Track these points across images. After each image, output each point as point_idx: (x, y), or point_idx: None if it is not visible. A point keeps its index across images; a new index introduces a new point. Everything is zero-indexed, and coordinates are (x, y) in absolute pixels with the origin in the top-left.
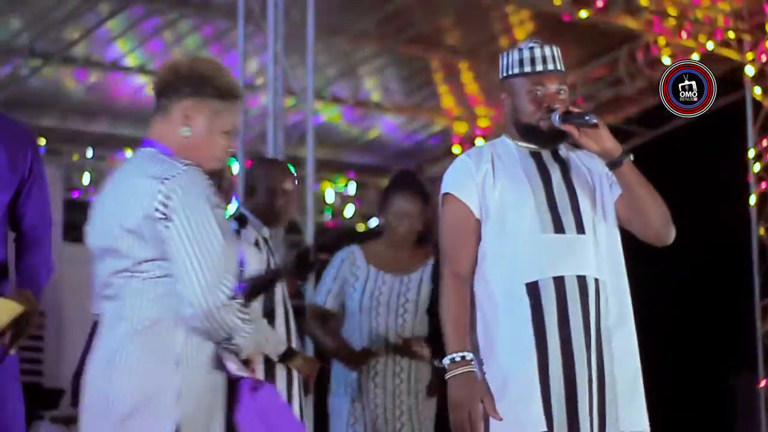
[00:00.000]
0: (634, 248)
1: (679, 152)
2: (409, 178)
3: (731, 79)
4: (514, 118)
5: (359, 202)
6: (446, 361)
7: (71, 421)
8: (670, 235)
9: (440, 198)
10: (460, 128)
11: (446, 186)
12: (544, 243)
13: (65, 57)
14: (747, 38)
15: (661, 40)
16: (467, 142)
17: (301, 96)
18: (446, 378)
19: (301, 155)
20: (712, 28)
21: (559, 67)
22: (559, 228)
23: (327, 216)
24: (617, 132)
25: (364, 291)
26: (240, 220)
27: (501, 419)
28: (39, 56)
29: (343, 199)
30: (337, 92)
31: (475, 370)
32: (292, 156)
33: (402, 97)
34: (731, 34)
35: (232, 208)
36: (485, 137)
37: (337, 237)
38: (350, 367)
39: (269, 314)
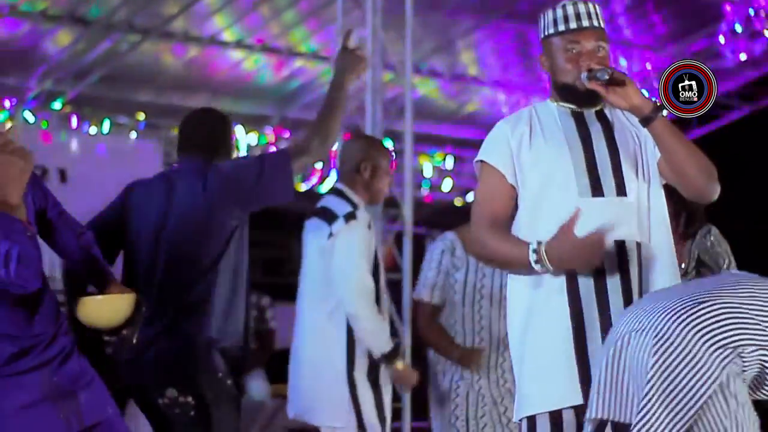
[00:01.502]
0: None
1: None
2: None
3: None
4: (553, 79)
5: (456, 177)
6: (532, 257)
7: None
8: (713, 191)
9: (477, 168)
10: None
11: (480, 153)
12: (581, 207)
13: (164, 32)
14: None
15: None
16: None
17: (399, 70)
18: (539, 261)
19: (398, 129)
20: None
21: (596, 24)
22: (597, 191)
23: (424, 190)
24: (715, 106)
25: (466, 282)
26: (344, 197)
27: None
28: (138, 31)
29: (441, 173)
30: (434, 66)
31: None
32: (389, 130)
33: (499, 71)
34: None
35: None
36: None
37: (435, 212)
38: (464, 366)
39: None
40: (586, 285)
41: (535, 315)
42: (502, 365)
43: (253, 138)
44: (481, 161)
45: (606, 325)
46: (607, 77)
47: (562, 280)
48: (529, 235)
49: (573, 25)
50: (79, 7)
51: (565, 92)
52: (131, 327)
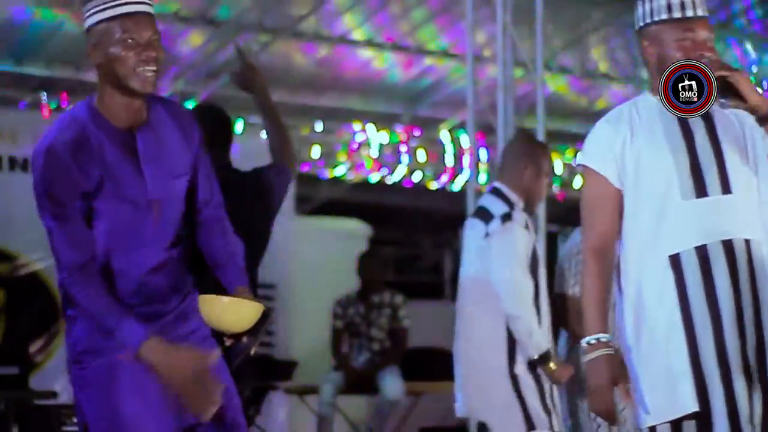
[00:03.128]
0: None
1: None
2: None
3: None
4: (657, 71)
5: None
6: (584, 343)
7: (305, 391)
8: None
9: (578, 169)
10: None
11: (583, 156)
12: (685, 210)
13: (294, 32)
14: None
15: None
16: None
17: (529, 67)
18: (584, 361)
19: (530, 126)
20: None
21: (706, 13)
22: (701, 191)
23: (555, 187)
24: None
25: None
26: (503, 197)
27: (631, 403)
28: (268, 32)
29: (572, 170)
30: (564, 62)
31: (613, 352)
32: (521, 127)
33: (629, 67)
34: None
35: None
36: None
37: (567, 209)
38: None
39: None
40: (696, 287)
41: (645, 321)
42: None
43: (384, 137)
44: (583, 165)
45: (718, 328)
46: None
47: (671, 285)
48: (631, 239)
49: (689, 12)
50: (210, 8)
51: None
52: (253, 336)
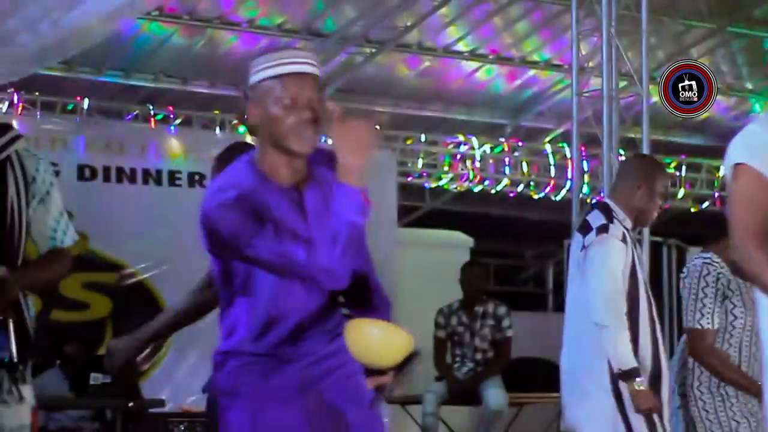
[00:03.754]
0: None
1: None
2: None
3: None
4: None
5: (690, 184)
6: None
7: (407, 401)
8: None
9: (731, 171)
10: None
11: (738, 156)
12: None
13: (398, 44)
14: None
15: None
16: None
17: (634, 78)
18: None
19: (634, 137)
20: None
21: None
22: None
23: None
24: None
25: (746, 310)
26: (605, 211)
27: None
28: (373, 44)
29: (675, 180)
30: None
31: None
32: (625, 138)
33: (733, 78)
34: None
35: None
36: None
37: (670, 219)
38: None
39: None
40: None
41: None
42: None
43: (487, 147)
44: (740, 164)
45: None
46: None
47: None
48: None
49: None
50: (315, 20)
51: None
52: (399, 373)
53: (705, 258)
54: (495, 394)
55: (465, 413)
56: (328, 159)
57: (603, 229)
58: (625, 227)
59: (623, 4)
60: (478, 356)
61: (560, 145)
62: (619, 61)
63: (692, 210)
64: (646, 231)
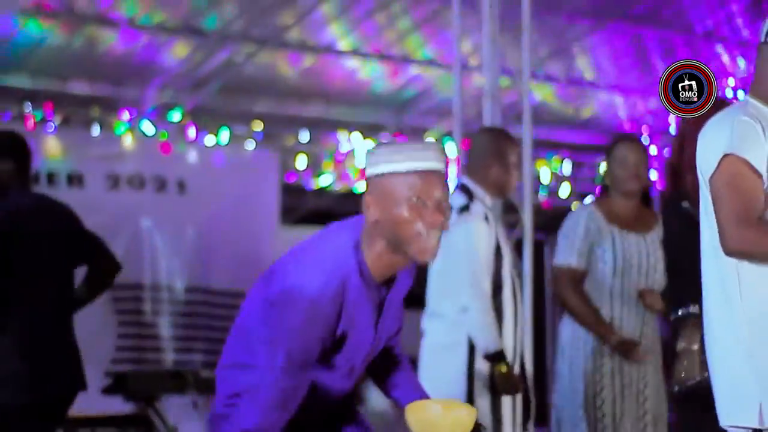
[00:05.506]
0: None
1: None
2: (630, 134)
3: None
4: None
5: (574, 182)
6: None
7: None
8: None
9: (717, 160)
10: None
11: (727, 146)
12: None
13: (280, 42)
14: None
15: None
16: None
17: (515, 75)
18: None
19: (516, 135)
20: None
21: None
22: None
23: (542, 196)
24: None
25: (616, 253)
26: (465, 191)
27: None
28: (253, 42)
29: (558, 178)
30: (550, 71)
31: None
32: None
33: (616, 75)
34: None
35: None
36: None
37: (553, 217)
38: (621, 354)
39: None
40: None
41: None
42: (646, 333)
43: (369, 146)
44: (729, 155)
45: None
46: None
47: None
48: None
49: None
50: (195, 18)
51: None
52: None
53: (584, 205)
54: (378, 395)
55: None
56: None
57: (464, 209)
58: (485, 205)
59: (505, 1)
60: None
61: (443, 143)
62: (501, 58)
63: (575, 208)
64: (528, 228)
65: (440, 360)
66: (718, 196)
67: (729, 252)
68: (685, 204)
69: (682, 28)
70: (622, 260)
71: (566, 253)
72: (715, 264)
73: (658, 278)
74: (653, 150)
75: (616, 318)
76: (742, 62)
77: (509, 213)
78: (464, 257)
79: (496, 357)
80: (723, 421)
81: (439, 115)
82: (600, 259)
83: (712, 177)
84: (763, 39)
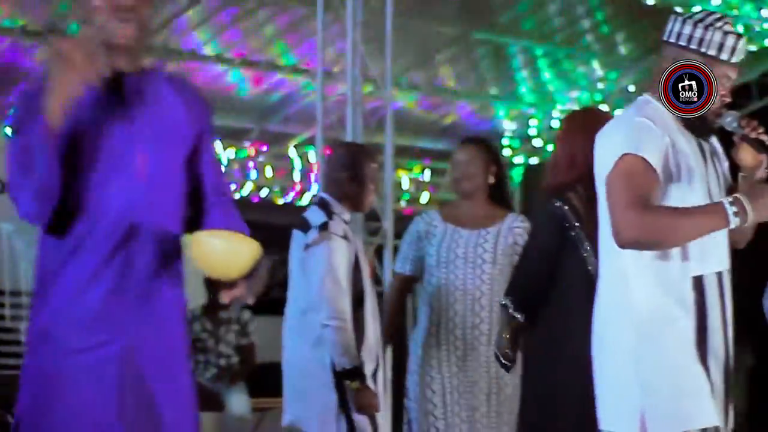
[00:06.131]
0: None
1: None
2: (469, 137)
3: None
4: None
5: (434, 189)
6: (731, 209)
7: None
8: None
9: (614, 160)
10: (537, 115)
11: (625, 146)
12: (709, 236)
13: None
14: None
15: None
16: (544, 130)
17: (378, 83)
18: (739, 213)
19: (378, 142)
20: None
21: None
22: None
23: (403, 203)
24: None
25: (441, 245)
26: (324, 207)
27: None
28: None
29: (419, 185)
30: (413, 79)
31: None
32: (369, 143)
33: (478, 84)
34: None
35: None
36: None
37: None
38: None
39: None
40: (713, 310)
41: (656, 324)
42: (479, 326)
43: (231, 152)
44: (627, 154)
45: (726, 354)
46: (755, 137)
47: (690, 291)
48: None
49: (735, 59)
50: (58, 22)
51: (693, 118)
52: (249, 282)
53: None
54: (238, 400)
55: (209, 420)
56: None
57: (324, 226)
58: (344, 220)
59: (369, 9)
60: (222, 362)
61: (305, 149)
62: (364, 66)
63: None
64: (389, 235)
65: (307, 378)
66: (611, 191)
67: (622, 242)
68: (557, 203)
69: (543, 37)
70: (446, 252)
71: (398, 261)
72: (609, 266)
73: (486, 268)
74: (511, 157)
75: (443, 308)
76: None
77: (370, 220)
78: (323, 276)
79: (351, 374)
80: (603, 426)
81: (302, 121)
82: (427, 254)
83: (608, 176)
84: (665, 38)
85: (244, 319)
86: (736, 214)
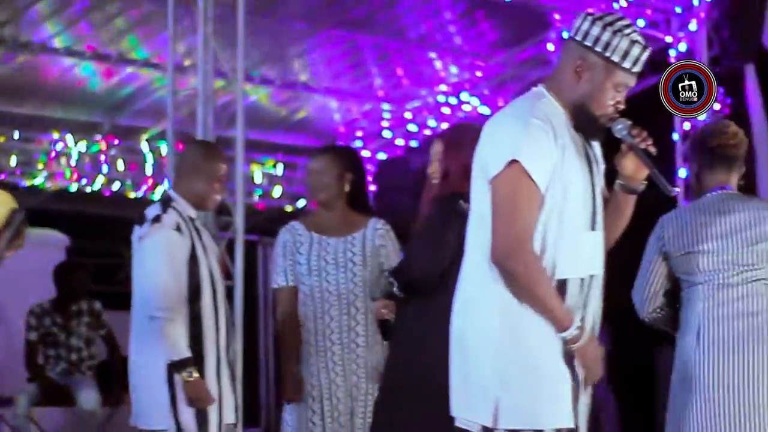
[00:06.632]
0: None
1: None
2: (318, 148)
3: (659, 59)
4: (578, 96)
5: (287, 183)
6: (568, 335)
7: None
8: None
9: (504, 164)
10: (389, 110)
11: (515, 152)
12: (586, 239)
13: None
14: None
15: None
16: (397, 124)
17: (230, 77)
18: (576, 347)
19: (230, 136)
20: (641, 8)
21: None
22: (594, 224)
23: (256, 197)
24: None
25: (311, 254)
26: (164, 202)
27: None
28: None
29: (272, 180)
30: (265, 73)
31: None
32: (220, 137)
33: (330, 79)
34: (660, 15)
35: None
36: (414, 119)
37: (266, 219)
38: (287, 398)
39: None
40: (575, 300)
41: (520, 317)
42: (355, 328)
43: (83, 146)
44: (516, 161)
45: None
46: (644, 148)
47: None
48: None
49: (637, 69)
50: None
51: (582, 116)
52: (6, 233)
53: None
54: (87, 395)
55: (59, 414)
56: None
57: (157, 219)
58: (184, 216)
59: (220, 4)
60: (73, 356)
61: (158, 143)
62: (216, 60)
63: (288, 208)
64: (240, 229)
65: (143, 369)
66: (499, 200)
67: (495, 262)
68: (463, 203)
69: (395, 33)
70: (317, 260)
71: (278, 276)
72: (476, 255)
73: (357, 271)
74: (366, 153)
75: (318, 315)
76: (454, 68)
77: (222, 214)
78: (152, 268)
79: (181, 365)
80: (455, 412)
81: (153, 116)
82: (298, 263)
83: (495, 179)
84: (572, 35)
85: (97, 309)
86: (572, 340)
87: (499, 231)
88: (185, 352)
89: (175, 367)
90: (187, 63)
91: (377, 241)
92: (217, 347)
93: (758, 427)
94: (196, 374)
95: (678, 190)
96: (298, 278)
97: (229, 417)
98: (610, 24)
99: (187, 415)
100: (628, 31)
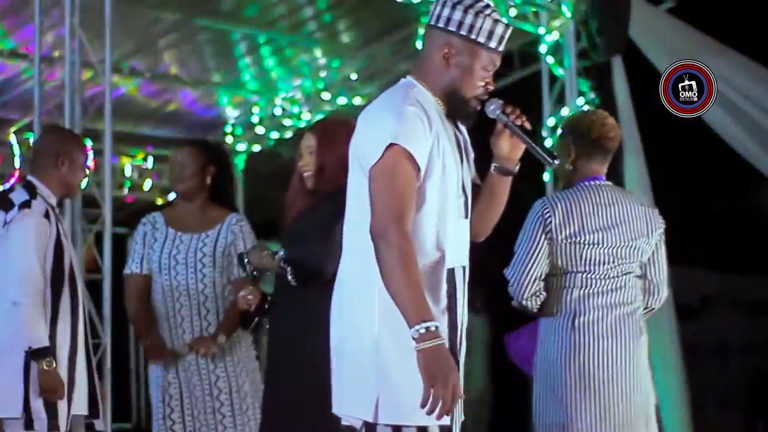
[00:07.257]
0: None
1: (475, 125)
2: (189, 139)
3: (528, 51)
4: (449, 81)
5: (157, 176)
6: (414, 332)
7: None
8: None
9: (383, 147)
10: (260, 102)
11: (393, 136)
12: (462, 228)
13: None
14: (543, 11)
15: None
16: (267, 117)
17: (98, 69)
18: (417, 349)
19: (98, 128)
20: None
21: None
22: (466, 212)
23: (125, 190)
24: None
25: (162, 251)
26: (28, 188)
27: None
28: None
29: (141, 172)
30: (135, 65)
31: (444, 342)
32: (89, 129)
33: (201, 71)
34: (529, 8)
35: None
36: (285, 111)
37: (136, 211)
38: (151, 360)
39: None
40: (460, 290)
41: (401, 319)
42: (207, 329)
43: None
44: (395, 144)
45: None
46: (519, 125)
47: (444, 283)
48: (420, 240)
49: (501, 47)
50: None
51: (454, 100)
52: None
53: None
54: None
55: None
56: None
57: (25, 204)
58: (49, 204)
59: None
60: None
61: (26, 135)
62: (83, 52)
63: (159, 201)
64: (108, 221)
65: (3, 358)
66: (377, 183)
67: (373, 234)
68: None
69: (266, 25)
70: (167, 258)
71: (132, 262)
72: (355, 242)
73: (207, 272)
74: (240, 146)
75: (171, 314)
76: (324, 61)
77: (90, 206)
78: (18, 253)
79: (39, 354)
80: (337, 409)
81: (20, 107)
82: (151, 260)
83: (374, 166)
84: (432, 22)
85: None
86: (420, 337)
87: (378, 205)
88: (45, 341)
89: (33, 355)
90: (56, 54)
91: (229, 237)
92: (73, 336)
93: (626, 409)
94: (54, 364)
95: (558, 161)
96: (153, 274)
97: (81, 408)
98: (471, 6)
99: (39, 403)
100: (488, 11)
